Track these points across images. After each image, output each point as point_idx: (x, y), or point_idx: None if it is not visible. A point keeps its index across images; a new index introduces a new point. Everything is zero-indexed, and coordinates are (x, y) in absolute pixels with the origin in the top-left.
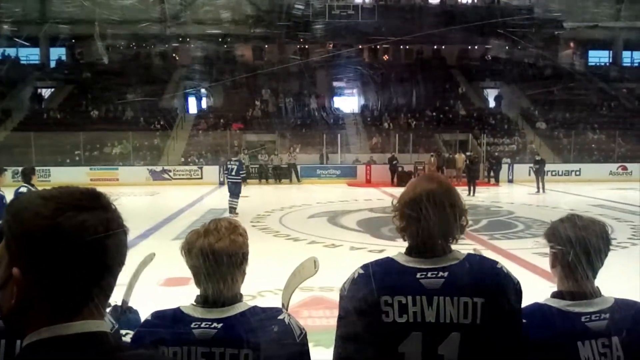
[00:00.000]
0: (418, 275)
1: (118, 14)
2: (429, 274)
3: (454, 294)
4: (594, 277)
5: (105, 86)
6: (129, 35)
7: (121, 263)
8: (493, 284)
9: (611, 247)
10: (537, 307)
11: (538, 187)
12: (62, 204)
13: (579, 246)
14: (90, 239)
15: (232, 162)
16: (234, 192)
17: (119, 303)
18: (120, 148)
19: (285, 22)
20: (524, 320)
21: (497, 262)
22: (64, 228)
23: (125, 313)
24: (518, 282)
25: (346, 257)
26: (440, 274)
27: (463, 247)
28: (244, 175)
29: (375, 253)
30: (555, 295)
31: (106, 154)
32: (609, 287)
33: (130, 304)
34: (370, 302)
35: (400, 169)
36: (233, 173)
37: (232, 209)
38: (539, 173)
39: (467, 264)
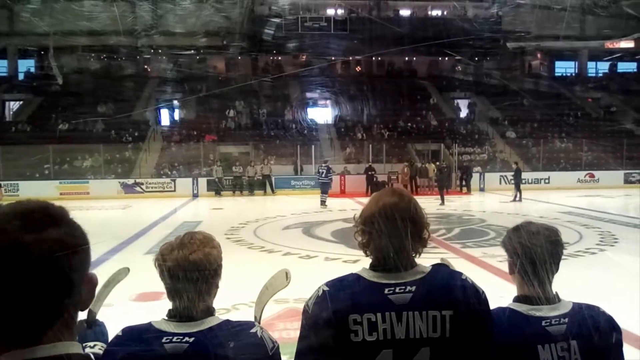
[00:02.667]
0: (386, 291)
1: (88, 26)
2: (397, 289)
3: (422, 308)
4: (550, 282)
5: (75, 98)
6: (100, 47)
7: (83, 279)
8: (460, 296)
9: (577, 253)
10: (500, 311)
11: (515, 195)
12: (23, 221)
13: (525, 257)
14: (54, 256)
15: (322, 167)
16: (324, 190)
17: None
18: (91, 161)
19: (258, 34)
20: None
21: (462, 273)
22: (24, 246)
23: (91, 327)
24: (483, 292)
25: (321, 268)
26: (408, 288)
27: (435, 255)
28: (331, 177)
29: (350, 263)
30: (516, 299)
31: (76, 167)
32: (577, 291)
33: (97, 318)
34: (338, 322)
35: (374, 179)
36: (323, 175)
37: (323, 202)
38: (515, 181)
39: (433, 276)
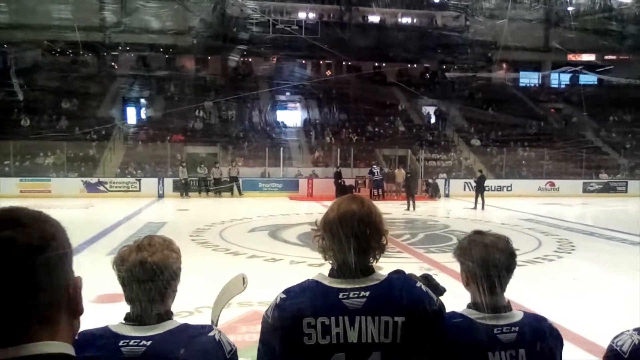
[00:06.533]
0: (340, 296)
1: (55, 20)
2: (351, 294)
3: (375, 313)
4: (503, 292)
5: (39, 93)
6: (67, 42)
7: (58, 281)
8: (412, 303)
9: (536, 260)
10: (455, 316)
11: (475, 203)
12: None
13: (482, 269)
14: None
15: (374, 167)
16: (376, 186)
17: None
18: (53, 158)
19: (229, 35)
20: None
21: (416, 282)
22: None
23: None
24: (439, 299)
25: (286, 271)
26: (362, 293)
27: (400, 260)
28: (383, 174)
29: (315, 267)
30: (470, 306)
31: (38, 164)
32: (533, 297)
33: None
34: (292, 326)
35: (342, 183)
36: (377, 174)
37: (378, 196)
38: (478, 189)
39: (388, 283)
